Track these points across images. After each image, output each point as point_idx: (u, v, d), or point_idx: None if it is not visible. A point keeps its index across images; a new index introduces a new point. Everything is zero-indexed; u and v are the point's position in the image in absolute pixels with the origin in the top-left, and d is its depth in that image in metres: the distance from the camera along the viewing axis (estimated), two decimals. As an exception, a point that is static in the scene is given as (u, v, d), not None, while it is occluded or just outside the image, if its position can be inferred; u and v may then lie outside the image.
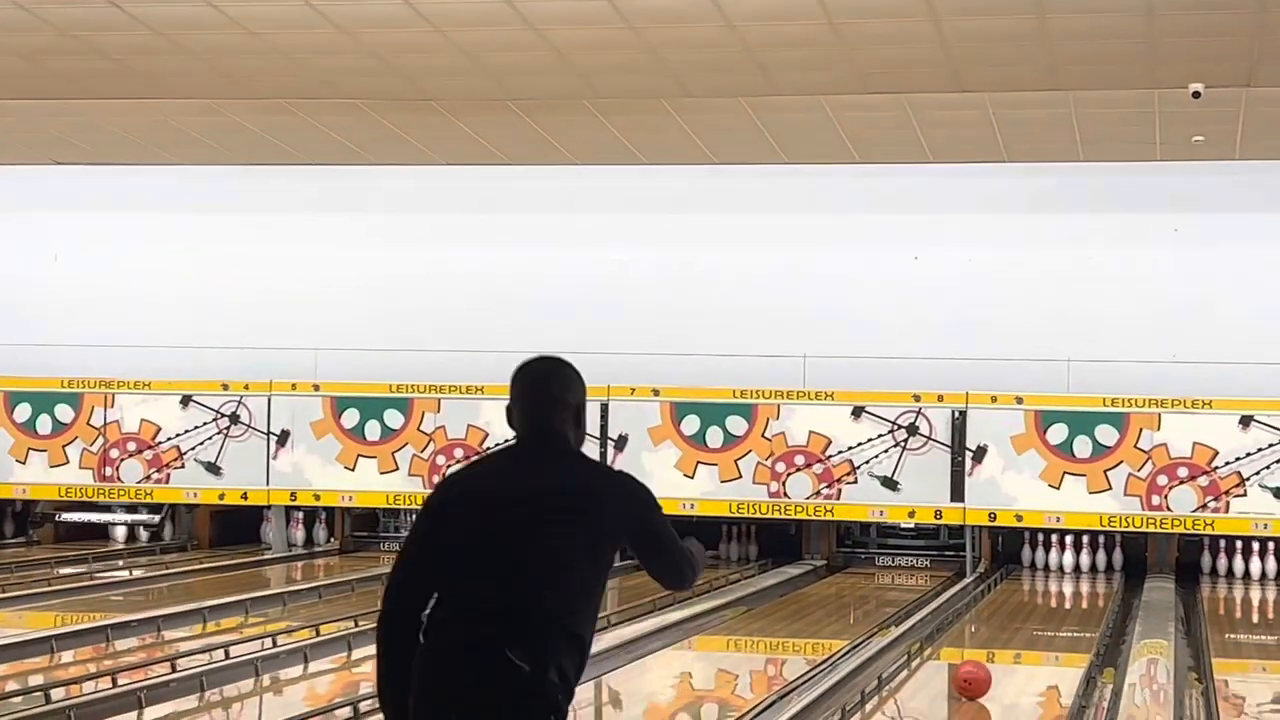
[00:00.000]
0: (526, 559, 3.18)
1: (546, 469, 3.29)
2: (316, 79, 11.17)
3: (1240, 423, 12.90)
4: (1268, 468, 12.73)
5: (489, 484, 3.32)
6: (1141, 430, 13.05)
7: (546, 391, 3.52)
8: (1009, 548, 14.09)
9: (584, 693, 8.33)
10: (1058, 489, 13.27)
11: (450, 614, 3.18)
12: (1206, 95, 10.80)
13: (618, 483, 3.40)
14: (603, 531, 3.26)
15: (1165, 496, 13.01)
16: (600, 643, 9.24)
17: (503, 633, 3.09)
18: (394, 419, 14.07)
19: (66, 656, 8.75)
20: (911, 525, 14.10)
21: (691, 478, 13.55)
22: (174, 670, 7.94)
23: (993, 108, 11.50)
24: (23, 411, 14.59)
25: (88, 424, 14.48)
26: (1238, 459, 12.81)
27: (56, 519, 14.87)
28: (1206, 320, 13.39)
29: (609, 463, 14.09)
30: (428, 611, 3.24)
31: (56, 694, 7.26)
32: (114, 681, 7.58)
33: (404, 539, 3.41)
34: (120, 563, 13.73)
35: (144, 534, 14.97)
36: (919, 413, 13.41)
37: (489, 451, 3.69)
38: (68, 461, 14.53)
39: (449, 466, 14.52)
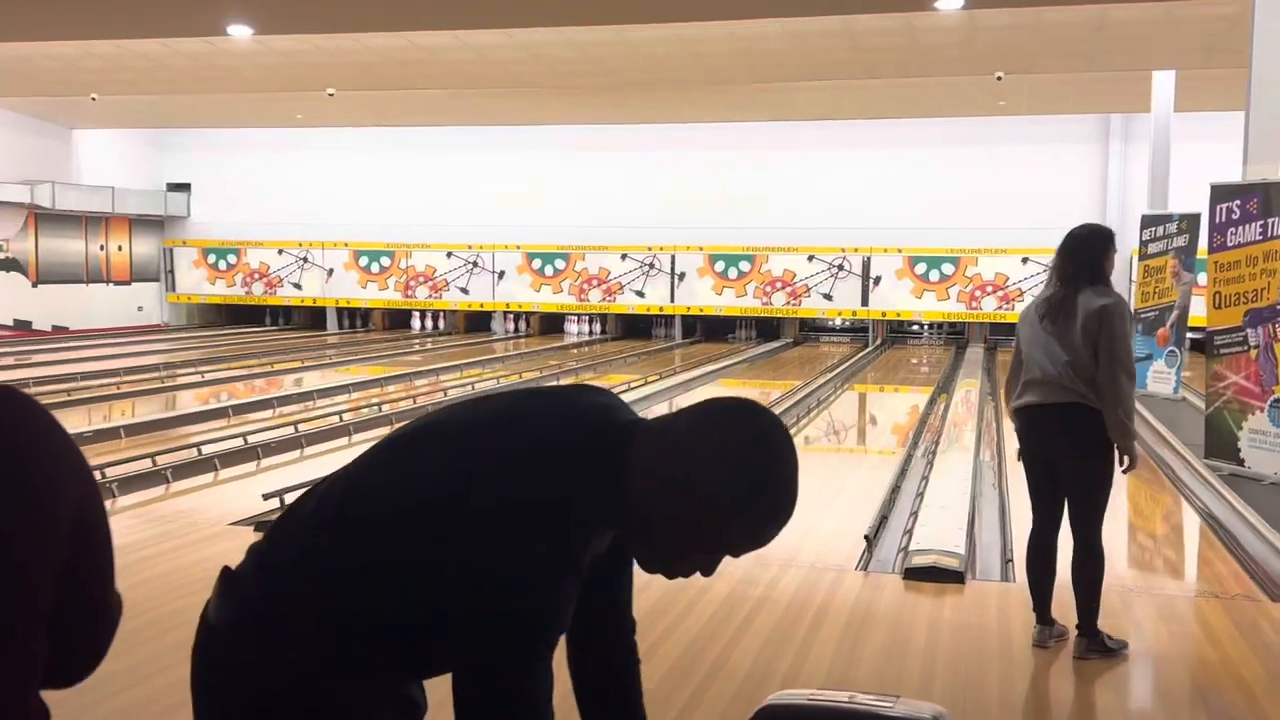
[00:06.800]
0: None
1: None
2: None
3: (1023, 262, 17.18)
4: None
5: None
6: (967, 266, 18.01)
7: None
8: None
9: (662, 410, 11.97)
10: (920, 299, 18.17)
11: None
12: None
13: None
14: None
15: (979, 303, 18.05)
16: (669, 382, 12.79)
17: None
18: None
19: (391, 387, 12.66)
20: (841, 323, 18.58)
21: (720, 296, 18.53)
22: (445, 395, 11.87)
23: None
24: (364, 260, 20.36)
25: (399, 267, 20.28)
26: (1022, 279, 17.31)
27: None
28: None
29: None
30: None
31: (386, 408, 10.67)
32: (415, 401, 12.08)
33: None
34: (416, 343, 18.35)
35: (429, 325, 20.18)
36: (845, 258, 18.31)
37: None
38: (387, 288, 20.39)
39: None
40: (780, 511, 1.54)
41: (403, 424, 1.72)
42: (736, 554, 1.58)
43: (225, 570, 1.66)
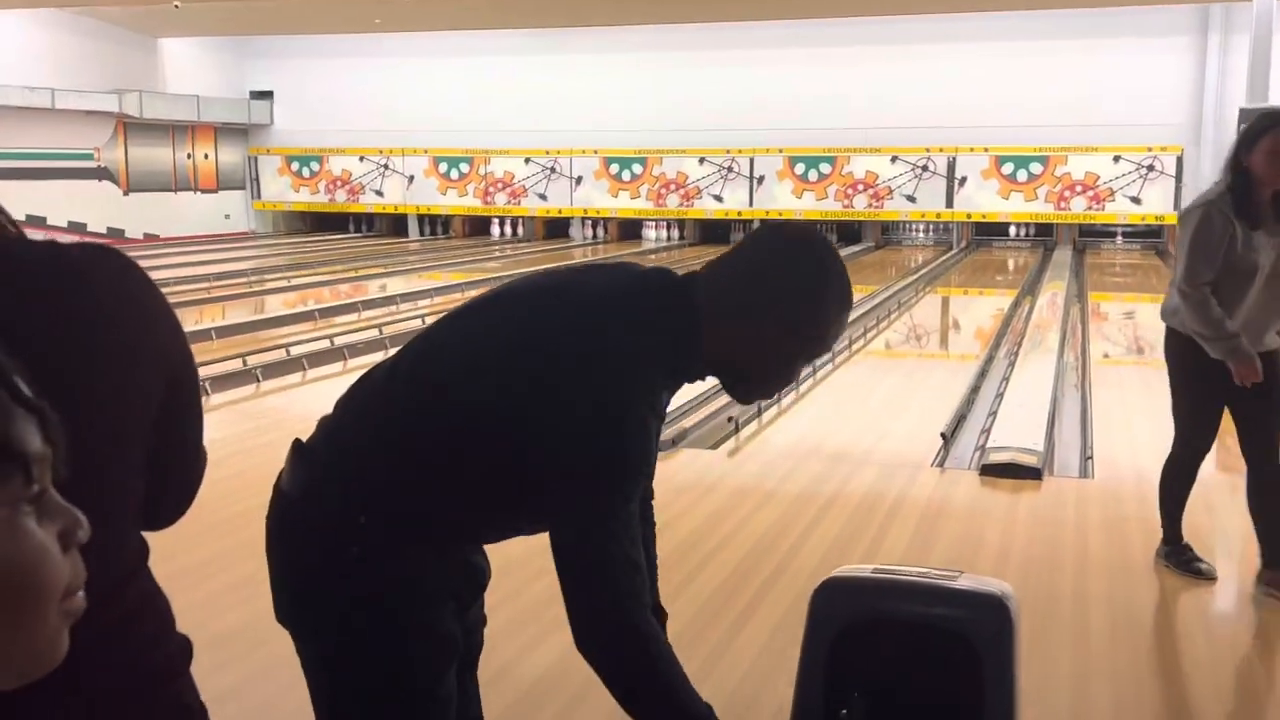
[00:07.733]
0: None
1: None
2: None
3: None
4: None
5: None
6: (1056, 165, 17.60)
7: None
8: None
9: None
10: (1007, 200, 17.88)
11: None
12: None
13: None
14: None
15: (1068, 203, 17.71)
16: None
17: None
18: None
19: (472, 292, 11.38)
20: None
21: (799, 200, 18.51)
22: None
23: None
24: (443, 167, 20.48)
25: (478, 173, 20.36)
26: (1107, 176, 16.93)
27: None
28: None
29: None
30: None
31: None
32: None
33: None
34: (496, 250, 18.72)
35: (508, 232, 20.36)
36: (929, 159, 17.98)
37: None
38: (467, 195, 20.50)
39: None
40: (849, 294, 1.70)
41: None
42: (825, 349, 1.71)
43: (296, 441, 1.70)
